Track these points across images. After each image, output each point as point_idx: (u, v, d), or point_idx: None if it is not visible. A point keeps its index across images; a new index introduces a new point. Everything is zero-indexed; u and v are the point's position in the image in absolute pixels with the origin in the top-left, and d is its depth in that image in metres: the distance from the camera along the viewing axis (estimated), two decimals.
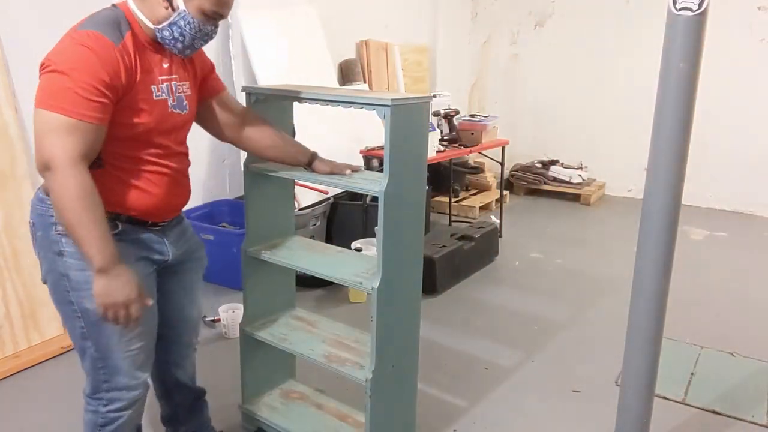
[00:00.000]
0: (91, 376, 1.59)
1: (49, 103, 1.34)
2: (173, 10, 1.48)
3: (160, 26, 1.49)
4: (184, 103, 1.62)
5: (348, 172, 1.86)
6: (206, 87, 1.75)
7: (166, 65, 1.56)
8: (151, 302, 1.51)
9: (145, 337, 1.61)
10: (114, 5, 1.51)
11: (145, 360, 1.64)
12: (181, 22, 1.48)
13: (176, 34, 1.49)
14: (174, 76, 1.58)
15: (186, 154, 1.70)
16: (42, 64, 1.39)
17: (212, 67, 1.78)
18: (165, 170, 1.59)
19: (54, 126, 1.33)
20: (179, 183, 1.66)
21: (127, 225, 1.55)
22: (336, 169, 1.86)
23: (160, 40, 1.51)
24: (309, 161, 1.87)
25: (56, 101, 1.34)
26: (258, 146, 1.86)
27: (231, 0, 1.55)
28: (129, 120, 1.46)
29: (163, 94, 1.54)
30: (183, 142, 1.67)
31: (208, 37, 1.56)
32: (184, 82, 1.63)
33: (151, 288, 1.63)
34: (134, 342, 1.57)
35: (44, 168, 1.35)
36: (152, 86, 1.51)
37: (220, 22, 1.58)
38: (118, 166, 1.50)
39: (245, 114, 1.85)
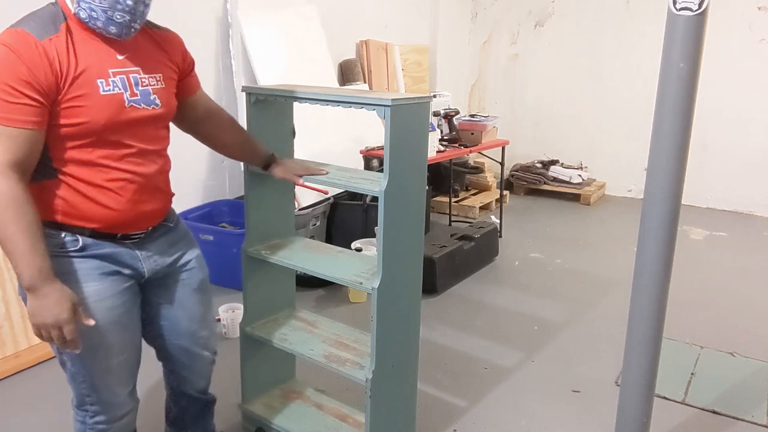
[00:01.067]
0: (74, 389, 1.55)
1: None
2: None
3: (74, 9, 1.36)
4: (152, 97, 1.48)
5: (300, 180, 1.85)
6: (185, 86, 1.66)
7: (120, 57, 1.43)
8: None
9: (125, 350, 1.56)
10: (54, 2, 1.41)
11: (127, 375, 1.59)
12: None
13: (91, 14, 1.35)
14: (134, 69, 1.45)
15: (159, 153, 1.55)
16: None
17: (193, 64, 1.69)
18: (129, 175, 1.46)
19: None
20: (150, 188, 1.52)
21: (90, 239, 1.45)
22: (288, 176, 1.86)
23: (89, 25, 1.37)
24: (265, 165, 1.88)
25: None
26: (218, 144, 1.84)
27: None
28: (73, 119, 1.35)
29: (116, 88, 1.41)
30: (156, 140, 1.53)
31: (132, 10, 1.37)
32: (152, 75, 1.50)
33: (127, 303, 1.54)
34: (111, 356, 1.52)
35: None
36: (98, 80, 1.38)
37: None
38: (73, 175, 1.39)
39: (211, 111, 1.79)
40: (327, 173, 1.87)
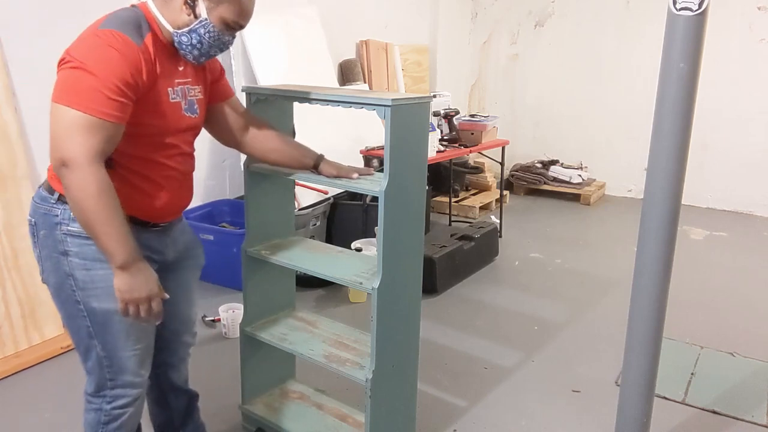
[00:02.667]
0: (95, 374, 1.59)
1: (73, 100, 1.33)
2: (195, 17, 1.48)
3: (180, 31, 1.49)
4: (195, 107, 1.62)
5: (355, 175, 1.82)
6: (217, 91, 1.75)
7: (181, 68, 1.57)
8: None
9: (149, 335, 1.62)
10: (133, 5, 1.50)
11: (148, 357, 1.65)
12: (201, 30, 1.49)
13: (194, 41, 1.50)
14: (188, 80, 1.59)
15: (192, 156, 1.70)
16: (62, 59, 1.38)
17: (222, 71, 1.78)
18: (173, 172, 1.60)
19: (76, 123, 1.33)
20: (185, 185, 1.68)
21: (130, 226, 1.52)
22: (342, 172, 1.83)
23: (176, 45, 1.52)
24: (315, 164, 1.85)
25: (81, 99, 1.33)
26: (262, 151, 1.85)
27: (252, 11, 1.56)
28: (145, 120, 1.47)
29: (177, 97, 1.55)
30: (191, 144, 1.68)
31: (224, 46, 1.56)
32: (196, 86, 1.63)
33: None
34: (140, 340, 1.58)
35: (61, 164, 1.34)
36: (168, 88, 1.52)
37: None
38: (129, 168, 1.50)
39: (251, 119, 1.85)
40: (372, 174, 1.86)
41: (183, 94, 1.57)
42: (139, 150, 1.51)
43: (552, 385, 2.61)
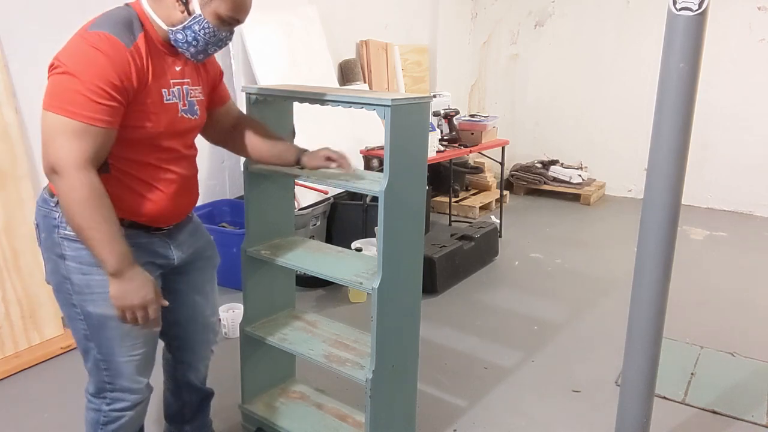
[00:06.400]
0: (94, 376, 1.59)
1: (57, 105, 1.32)
2: (189, 14, 1.45)
3: (174, 29, 1.46)
4: (195, 108, 1.59)
5: (333, 165, 1.78)
6: (215, 96, 1.73)
7: (178, 68, 1.53)
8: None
9: (148, 343, 1.61)
10: (127, 4, 1.48)
11: (147, 365, 1.63)
12: (196, 27, 1.46)
13: (189, 38, 1.47)
14: (186, 80, 1.56)
15: (194, 157, 1.67)
16: (51, 65, 1.37)
17: (222, 75, 1.76)
18: (172, 175, 1.57)
19: (61, 129, 1.32)
20: (187, 188, 1.64)
21: (129, 230, 1.52)
22: (323, 163, 1.78)
23: (173, 43, 1.48)
24: (297, 159, 1.82)
25: (64, 104, 1.32)
26: (247, 152, 1.83)
27: (249, 5, 1.52)
28: (137, 123, 1.44)
29: (174, 98, 1.52)
30: (192, 146, 1.65)
31: (222, 42, 1.53)
32: (197, 87, 1.60)
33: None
34: (137, 347, 1.57)
35: (51, 171, 1.34)
36: (163, 89, 1.48)
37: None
38: (125, 171, 1.48)
39: (240, 120, 1.83)
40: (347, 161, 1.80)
41: (181, 95, 1.54)
42: (135, 153, 1.48)
43: (552, 385, 2.61)
